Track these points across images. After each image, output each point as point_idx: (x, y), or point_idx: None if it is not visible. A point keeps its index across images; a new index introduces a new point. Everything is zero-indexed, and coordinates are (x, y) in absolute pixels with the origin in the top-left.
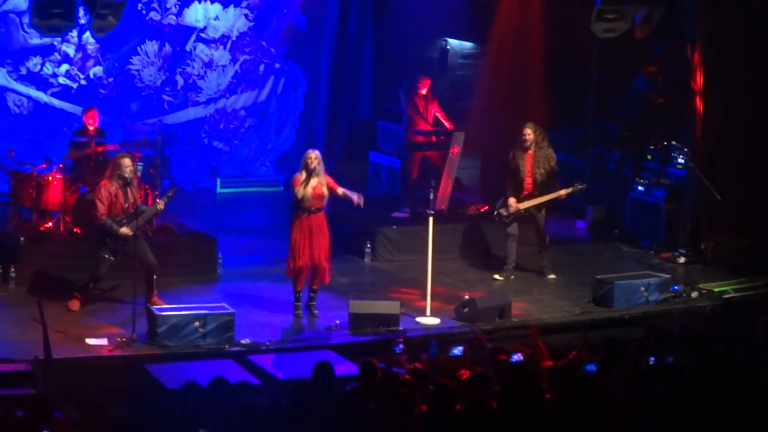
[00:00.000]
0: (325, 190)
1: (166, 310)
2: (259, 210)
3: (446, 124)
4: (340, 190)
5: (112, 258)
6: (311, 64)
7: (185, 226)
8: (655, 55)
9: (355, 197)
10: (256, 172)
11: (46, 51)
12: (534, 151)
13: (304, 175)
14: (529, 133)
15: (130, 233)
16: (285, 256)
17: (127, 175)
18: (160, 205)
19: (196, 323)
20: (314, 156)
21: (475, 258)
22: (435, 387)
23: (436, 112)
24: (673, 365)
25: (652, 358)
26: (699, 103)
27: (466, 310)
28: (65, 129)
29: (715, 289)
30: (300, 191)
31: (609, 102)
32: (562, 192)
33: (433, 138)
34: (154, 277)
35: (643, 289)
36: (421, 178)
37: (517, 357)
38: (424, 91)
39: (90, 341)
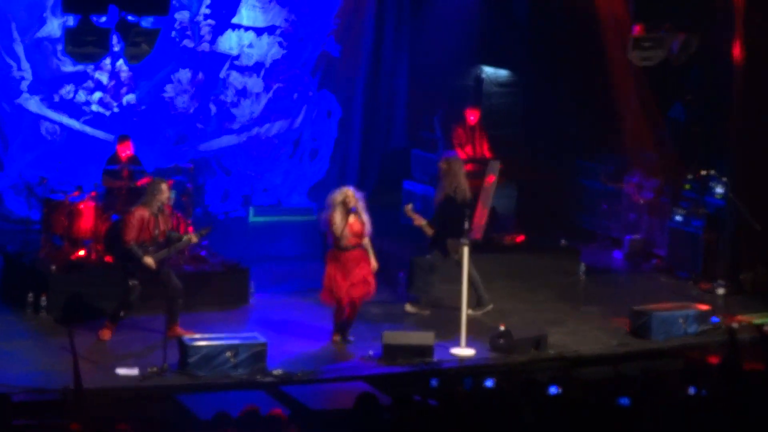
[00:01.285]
0: (365, 227)
1: (198, 340)
2: (291, 239)
3: (488, 155)
4: (366, 241)
5: (137, 284)
6: (345, 92)
7: (218, 254)
8: (692, 83)
9: (373, 261)
10: (289, 201)
11: (79, 78)
12: (442, 182)
13: (340, 214)
14: (442, 161)
15: (153, 266)
16: (318, 285)
17: (164, 202)
18: (194, 239)
19: (228, 353)
20: (351, 194)
21: (510, 288)
22: None
23: (485, 144)
24: (711, 398)
25: (691, 391)
26: (738, 131)
27: (502, 341)
28: (97, 156)
29: (755, 321)
30: (338, 229)
31: (646, 130)
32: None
33: (475, 167)
34: (180, 302)
35: (681, 320)
36: None
37: (554, 389)
38: (473, 120)
39: (120, 371)
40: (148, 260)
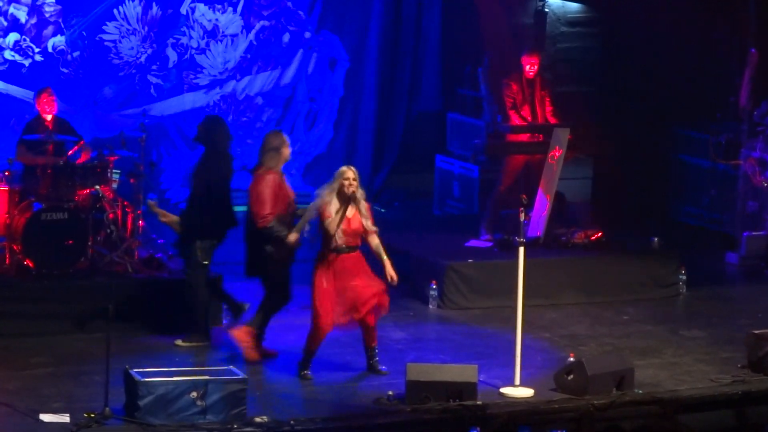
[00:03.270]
0: (365, 223)
1: (152, 374)
2: None
3: (552, 120)
4: (375, 242)
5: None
6: (355, 34)
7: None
8: None
9: (389, 269)
10: None
11: None
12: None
13: (336, 202)
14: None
15: (299, 243)
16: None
17: (287, 159)
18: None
19: (193, 393)
20: (352, 176)
21: (583, 305)
22: None
23: (547, 105)
24: None
25: None
26: None
27: (571, 377)
28: (12, 121)
29: None
30: (333, 225)
31: None
32: None
33: (535, 137)
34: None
35: None
36: (510, 193)
37: None
38: (530, 71)
39: (45, 418)
40: (293, 236)
